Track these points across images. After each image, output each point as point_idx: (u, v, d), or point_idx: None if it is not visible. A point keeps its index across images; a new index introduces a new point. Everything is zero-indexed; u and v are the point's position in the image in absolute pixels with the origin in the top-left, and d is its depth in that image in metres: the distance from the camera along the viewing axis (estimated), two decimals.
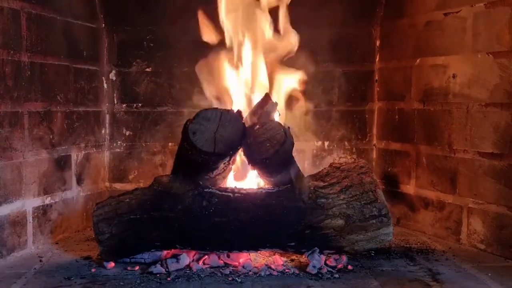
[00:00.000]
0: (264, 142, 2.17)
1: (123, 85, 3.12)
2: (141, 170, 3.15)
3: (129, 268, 2.22)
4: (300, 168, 2.36)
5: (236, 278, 2.11)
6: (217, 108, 2.25)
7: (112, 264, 2.23)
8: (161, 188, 2.21)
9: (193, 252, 2.26)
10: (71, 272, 2.19)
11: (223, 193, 2.20)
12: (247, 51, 2.59)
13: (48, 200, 2.58)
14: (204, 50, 2.69)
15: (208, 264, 2.23)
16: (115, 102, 3.13)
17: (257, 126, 2.20)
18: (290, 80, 2.67)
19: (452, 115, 2.61)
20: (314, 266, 2.16)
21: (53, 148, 2.61)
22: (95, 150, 2.99)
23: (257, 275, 2.15)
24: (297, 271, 2.18)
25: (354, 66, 3.16)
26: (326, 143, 3.18)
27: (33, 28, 2.47)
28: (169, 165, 2.99)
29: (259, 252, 2.29)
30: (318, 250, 2.20)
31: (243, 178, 2.48)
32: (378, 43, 3.14)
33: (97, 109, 3.02)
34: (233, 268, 2.21)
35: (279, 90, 2.65)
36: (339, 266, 2.22)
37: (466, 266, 2.27)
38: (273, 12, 2.67)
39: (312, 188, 2.22)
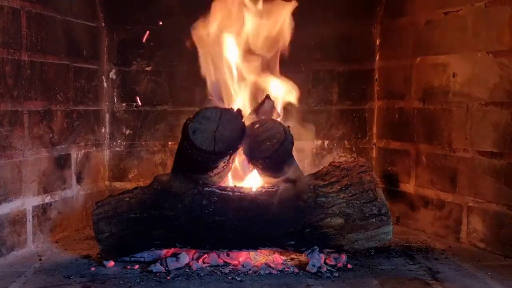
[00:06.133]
0: (264, 141, 2.17)
1: (123, 84, 3.12)
2: (141, 169, 3.15)
3: (128, 267, 2.22)
4: (300, 167, 2.37)
5: (236, 277, 2.11)
6: (217, 107, 2.25)
7: (111, 263, 2.23)
8: (161, 187, 2.21)
9: (192, 251, 2.26)
10: (71, 271, 2.20)
11: (223, 192, 2.20)
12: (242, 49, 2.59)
13: (48, 199, 2.58)
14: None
15: (207, 263, 2.23)
16: (115, 101, 3.13)
17: (257, 125, 2.21)
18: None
19: (452, 114, 2.61)
20: (313, 265, 2.16)
21: (53, 147, 2.61)
22: (95, 149, 2.99)
23: (257, 274, 2.15)
24: (296, 270, 2.18)
25: (354, 64, 3.16)
26: (326, 142, 3.18)
27: (33, 27, 2.47)
28: (169, 164, 2.99)
29: (258, 251, 2.29)
30: (317, 249, 2.20)
31: (243, 177, 2.48)
32: (378, 41, 3.14)
33: (97, 108, 3.02)
34: (233, 267, 2.21)
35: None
36: (339, 265, 2.22)
37: (466, 265, 2.27)
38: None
39: (311, 187, 2.22)
